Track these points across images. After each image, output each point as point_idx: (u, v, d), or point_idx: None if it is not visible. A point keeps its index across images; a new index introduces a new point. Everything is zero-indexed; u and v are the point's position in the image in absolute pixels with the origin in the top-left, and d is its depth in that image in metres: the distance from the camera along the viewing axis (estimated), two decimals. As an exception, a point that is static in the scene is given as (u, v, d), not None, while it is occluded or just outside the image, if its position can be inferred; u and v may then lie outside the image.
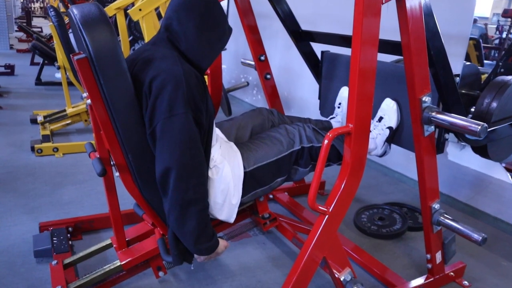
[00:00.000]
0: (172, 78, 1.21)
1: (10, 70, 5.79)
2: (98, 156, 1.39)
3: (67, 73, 3.50)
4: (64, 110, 3.55)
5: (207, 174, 1.35)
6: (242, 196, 1.49)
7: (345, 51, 2.04)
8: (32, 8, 19.58)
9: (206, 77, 2.20)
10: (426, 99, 1.40)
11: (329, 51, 2.20)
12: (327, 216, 1.29)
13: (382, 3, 1.14)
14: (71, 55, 1.24)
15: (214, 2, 1.37)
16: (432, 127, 1.46)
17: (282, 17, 2.17)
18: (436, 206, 1.62)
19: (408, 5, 1.23)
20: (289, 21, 2.20)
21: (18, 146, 3.16)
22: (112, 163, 1.41)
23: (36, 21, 14.15)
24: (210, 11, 1.35)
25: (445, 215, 1.63)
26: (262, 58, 2.30)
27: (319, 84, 2.29)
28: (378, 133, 1.79)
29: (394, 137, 1.81)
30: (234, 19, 2.26)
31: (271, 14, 2.22)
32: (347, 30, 3.23)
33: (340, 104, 2.06)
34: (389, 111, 1.78)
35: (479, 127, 1.28)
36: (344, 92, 2.07)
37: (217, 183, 1.41)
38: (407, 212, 2.51)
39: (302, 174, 1.66)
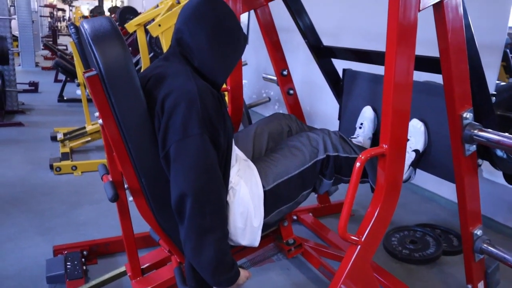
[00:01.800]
0: (185, 96, 1.12)
1: (34, 87, 5.87)
2: (111, 179, 1.31)
3: (87, 90, 3.48)
4: (84, 127, 3.52)
5: (225, 199, 1.24)
6: (265, 217, 1.37)
7: (368, 68, 1.94)
8: (59, 27, 20.13)
9: (226, 93, 2.12)
10: (467, 115, 1.27)
11: (351, 69, 2.10)
12: (359, 246, 1.16)
13: (419, 11, 1.03)
14: (82, 72, 1.16)
15: (226, 11, 1.27)
16: (474, 146, 1.32)
17: (303, 31, 2.08)
18: (478, 232, 1.47)
19: (447, 11, 1.11)
20: (310, 36, 2.11)
21: (37, 164, 3.13)
22: (125, 186, 1.32)
23: (62, 39, 14.51)
24: (223, 21, 1.25)
25: (488, 242, 1.48)
26: (285, 73, 2.20)
27: (339, 104, 2.19)
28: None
29: (421, 161, 1.66)
30: (255, 33, 2.18)
31: (293, 27, 2.13)
32: (373, 44, 3.10)
33: (362, 124, 1.93)
34: (415, 133, 1.64)
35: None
36: (366, 112, 1.95)
37: (235, 206, 1.30)
38: (440, 234, 2.34)
39: (326, 186, 1.53)
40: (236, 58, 1.35)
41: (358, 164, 1.07)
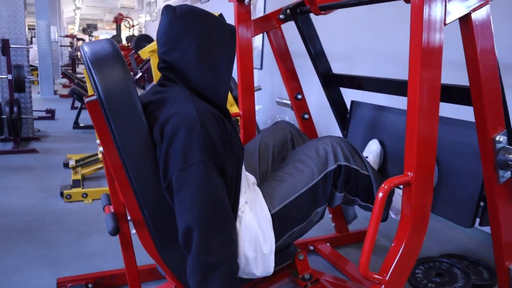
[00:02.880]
0: (184, 121, 1.04)
1: (50, 114, 5.93)
2: (113, 210, 1.22)
3: (100, 116, 3.45)
4: (96, 154, 3.48)
5: (235, 230, 1.14)
6: (277, 241, 1.26)
7: (381, 98, 1.85)
8: (79, 56, 20.68)
9: (238, 118, 2.04)
10: (501, 138, 1.16)
11: (359, 101, 2.02)
12: (383, 286, 1.04)
13: (445, 24, 0.93)
14: (84, 98, 1.10)
15: (203, 20, 1.18)
16: (509, 172, 1.20)
17: (313, 57, 2.00)
18: (515, 267, 1.33)
19: (475, 24, 1.02)
20: (320, 62, 2.02)
21: (49, 192, 3.09)
22: (128, 218, 1.23)
23: (81, 68, 14.83)
24: (205, 34, 1.17)
25: (527, 279, 1.33)
26: (299, 97, 2.12)
27: (344, 136, 2.11)
28: None
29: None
30: (270, 58, 2.12)
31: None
32: (390, 66, 3.00)
33: (367, 157, 1.82)
34: None
35: None
36: (372, 145, 1.85)
37: (242, 233, 1.20)
38: (469, 266, 2.17)
39: (337, 200, 1.41)
40: (231, 67, 1.26)
41: (380, 194, 0.96)
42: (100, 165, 3.42)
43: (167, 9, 1.18)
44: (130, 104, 1.03)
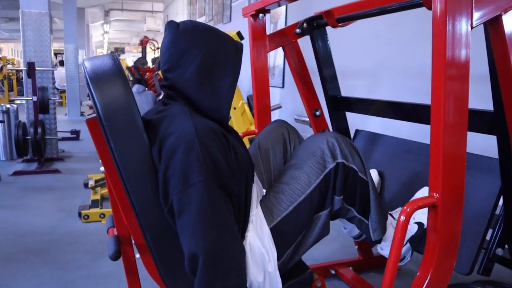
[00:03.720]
0: (181, 139, 0.97)
1: (75, 135, 6.03)
2: (116, 233, 1.16)
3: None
4: (116, 174, 3.47)
5: (243, 254, 1.04)
6: (281, 257, 1.16)
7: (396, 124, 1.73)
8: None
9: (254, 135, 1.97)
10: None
11: (364, 130, 1.93)
12: (408, 321, 0.93)
13: (472, 28, 0.84)
14: (85, 115, 1.05)
15: (206, 36, 1.12)
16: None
17: (324, 76, 1.91)
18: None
19: (507, 27, 0.92)
20: (330, 83, 1.92)
21: (68, 212, 3.08)
22: (133, 242, 1.16)
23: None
24: (208, 52, 1.11)
25: None
26: (318, 113, 2.04)
27: None
28: None
29: (422, 241, 1.33)
30: (291, 76, 2.04)
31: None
32: (414, 80, 2.89)
33: None
34: None
35: None
36: (371, 174, 1.73)
37: (248, 256, 1.10)
38: (506, 293, 2.00)
39: (336, 204, 1.27)
40: (234, 85, 1.19)
41: (402, 217, 0.86)
42: (119, 185, 3.39)
43: (170, 25, 1.14)
44: (130, 122, 0.97)
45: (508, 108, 0.98)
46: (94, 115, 0.99)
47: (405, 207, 0.87)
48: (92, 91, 0.95)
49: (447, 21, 0.80)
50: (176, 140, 0.98)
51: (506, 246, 1.20)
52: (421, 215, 1.35)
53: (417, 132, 1.81)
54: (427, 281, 0.91)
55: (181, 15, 11.87)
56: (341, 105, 1.94)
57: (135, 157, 0.98)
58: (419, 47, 2.85)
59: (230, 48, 1.16)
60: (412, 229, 1.34)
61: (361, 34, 3.36)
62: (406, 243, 1.34)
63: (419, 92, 2.89)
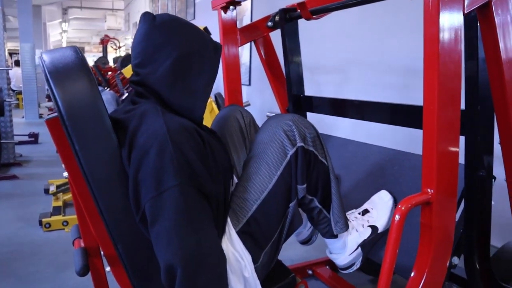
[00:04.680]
0: (152, 139, 0.89)
1: (34, 138, 5.73)
2: (83, 245, 1.05)
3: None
4: (80, 178, 3.30)
5: (224, 261, 0.95)
6: (257, 259, 1.07)
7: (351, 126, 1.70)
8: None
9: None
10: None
11: (322, 133, 1.87)
12: (403, 325, 0.88)
13: (464, 14, 0.80)
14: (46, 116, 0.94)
15: (182, 31, 1.04)
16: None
17: (290, 74, 1.83)
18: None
19: (497, 14, 0.88)
20: (295, 81, 1.84)
21: (27, 220, 2.88)
22: (102, 253, 1.06)
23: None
24: (183, 47, 1.03)
25: None
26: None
27: None
28: (354, 228, 1.28)
29: (375, 246, 1.31)
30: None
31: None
32: (386, 76, 2.89)
33: None
34: (380, 206, 1.33)
35: None
36: None
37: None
38: None
39: (301, 192, 1.13)
40: (210, 86, 1.11)
41: (397, 217, 0.81)
42: (83, 190, 3.23)
43: (145, 16, 1.05)
44: (97, 121, 0.87)
45: (498, 100, 0.95)
46: (55, 114, 0.88)
47: (399, 205, 0.82)
48: (53, 87, 0.84)
49: (440, 5, 0.76)
50: (147, 141, 0.89)
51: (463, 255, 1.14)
52: (376, 218, 1.32)
53: (391, 137, 1.77)
54: (422, 281, 0.87)
55: (143, 13, 11.59)
56: (303, 105, 1.87)
57: (103, 160, 0.88)
58: (389, 42, 2.85)
59: (209, 47, 1.08)
60: (365, 232, 1.28)
61: (328, 30, 3.34)
62: (357, 248, 1.27)
63: (389, 88, 2.90)
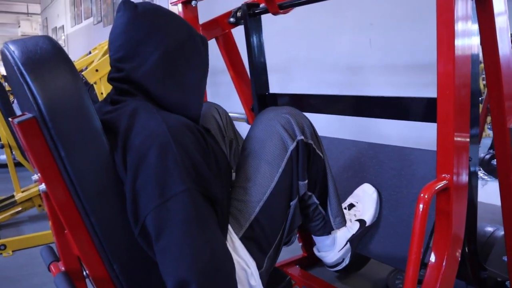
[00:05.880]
0: (151, 140, 0.78)
1: None
2: (63, 268, 0.90)
3: (14, 152, 2.98)
4: (13, 196, 2.97)
5: (235, 270, 0.87)
6: (261, 265, 1.01)
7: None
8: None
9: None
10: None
11: None
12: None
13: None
14: (10, 120, 0.79)
15: (169, 20, 0.96)
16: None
17: (254, 71, 1.76)
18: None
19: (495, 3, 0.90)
20: (260, 78, 1.78)
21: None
22: (85, 273, 0.92)
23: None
24: (180, 33, 0.95)
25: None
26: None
27: None
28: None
29: (363, 240, 1.30)
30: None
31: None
32: (332, 75, 2.93)
33: None
34: (366, 200, 1.31)
35: None
36: None
37: None
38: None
39: (302, 188, 1.08)
40: (204, 82, 1.04)
41: (421, 206, 0.78)
42: (18, 208, 2.92)
43: (126, 5, 0.93)
44: (85, 120, 0.74)
45: (490, 72, 0.97)
46: (29, 115, 0.74)
47: (421, 194, 0.79)
48: (29, 82, 0.70)
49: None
50: (143, 141, 0.78)
51: None
52: (362, 212, 1.31)
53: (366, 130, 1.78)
54: (442, 270, 0.85)
55: (63, 18, 10.90)
56: (268, 103, 1.81)
57: (94, 168, 0.76)
58: (335, 40, 2.91)
59: (197, 39, 0.99)
60: (353, 227, 1.25)
61: (270, 29, 3.33)
62: (346, 244, 1.23)
63: (334, 85, 2.95)
